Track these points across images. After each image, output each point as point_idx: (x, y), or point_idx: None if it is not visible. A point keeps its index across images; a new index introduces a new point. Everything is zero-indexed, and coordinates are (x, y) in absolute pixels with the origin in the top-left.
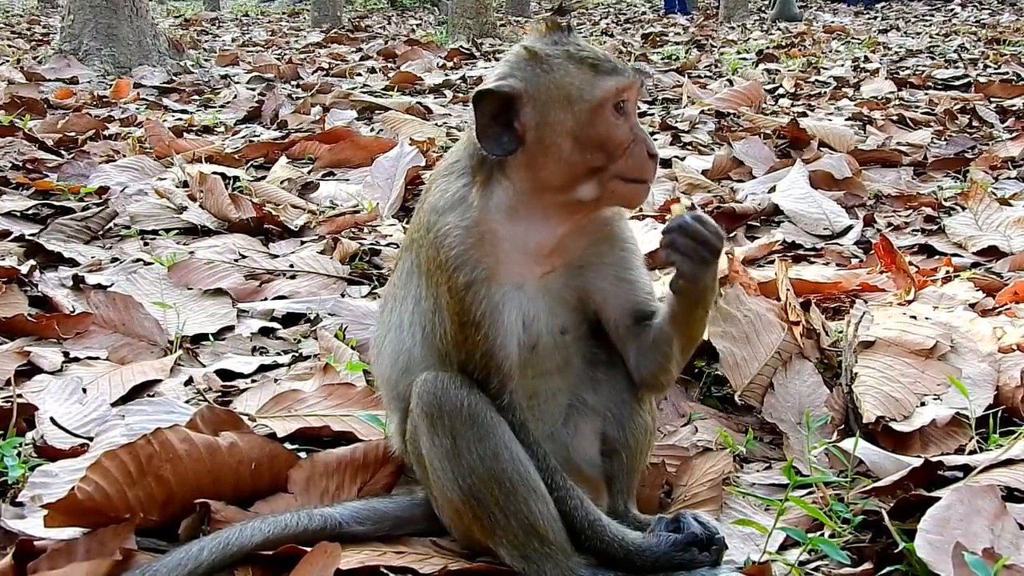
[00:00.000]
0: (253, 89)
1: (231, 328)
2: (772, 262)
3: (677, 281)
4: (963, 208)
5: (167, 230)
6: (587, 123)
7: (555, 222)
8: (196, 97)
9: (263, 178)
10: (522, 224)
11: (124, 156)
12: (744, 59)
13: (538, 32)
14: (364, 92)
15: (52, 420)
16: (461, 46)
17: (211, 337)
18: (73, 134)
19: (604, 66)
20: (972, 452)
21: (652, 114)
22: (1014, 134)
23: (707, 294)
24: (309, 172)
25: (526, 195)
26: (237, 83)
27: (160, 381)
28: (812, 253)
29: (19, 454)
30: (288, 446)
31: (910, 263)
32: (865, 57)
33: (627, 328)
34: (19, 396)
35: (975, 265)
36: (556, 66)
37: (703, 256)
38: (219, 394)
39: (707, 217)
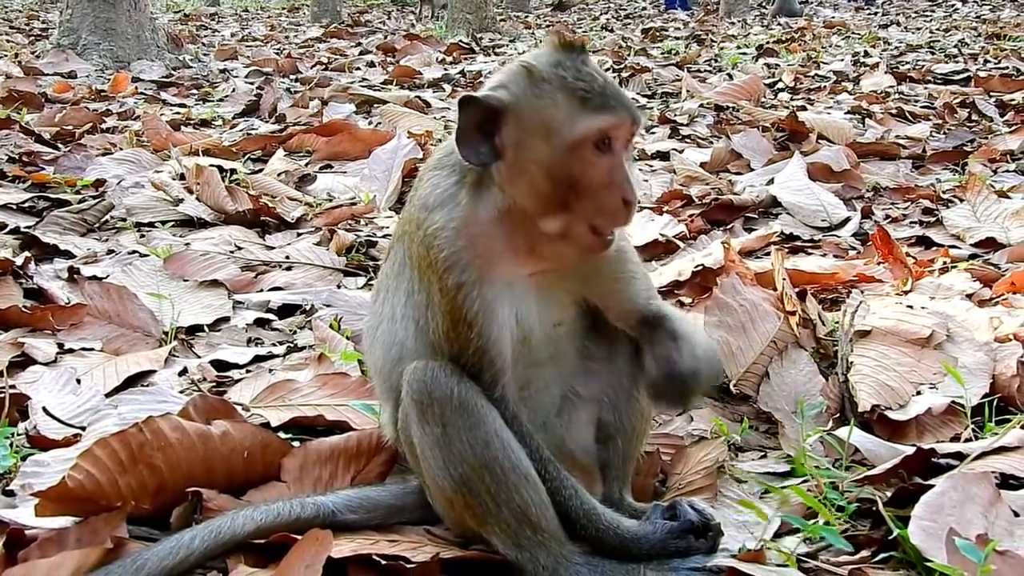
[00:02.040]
0: (251, 83)
1: (226, 319)
2: (770, 254)
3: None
4: (961, 200)
5: (163, 222)
6: (561, 160)
7: (539, 234)
8: (194, 91)
9: (260, 171)
10: (510, 230)
11: (121, 149)
12: (744, 54)
13: (549, 47)
14: (363, 86)
15: (44, 410)
16: (460, 41)
17: (206, 328)
18: (70, 127)
19: (594, 101)
20: (968, 440)
21: (651, 107)
22: (1013, 128)
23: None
24: (306, 165)
25: (510, 205)
26: (235, 77)
27: (154, 372)
28: (810, 245)
29: (11, 444)
30: (282, 435)
31: (908, 254)
32: (865, 52)
33: (631, 327)
34: (12, 387)
35: (973, 256)
36: (546, 92)
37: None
38: (214, 384)
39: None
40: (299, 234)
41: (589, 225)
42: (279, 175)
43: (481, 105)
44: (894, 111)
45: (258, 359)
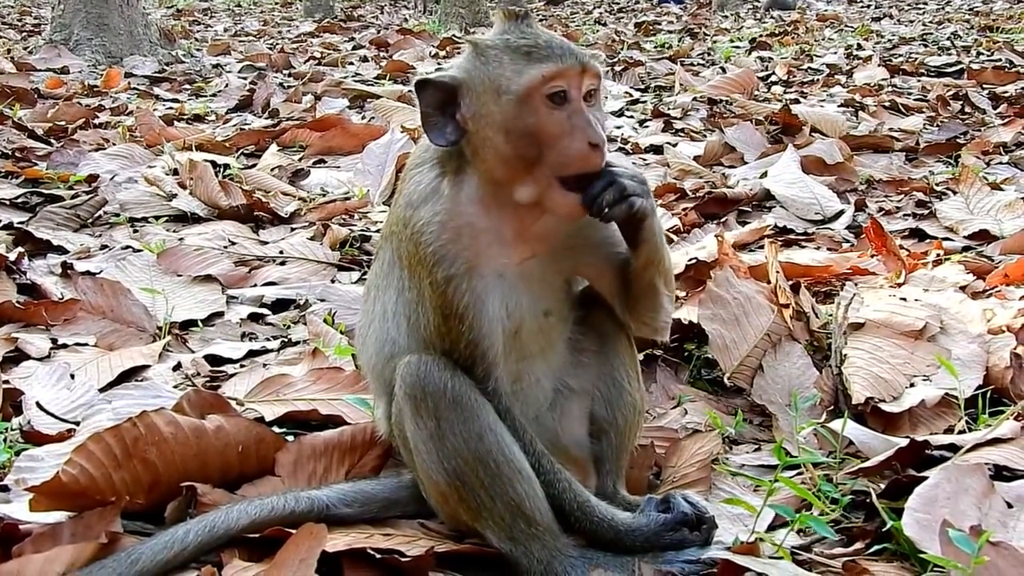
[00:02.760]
0: (244, 78)
1: (220, 314)
2: (763, 247)
3: (638, 232)
4: (954, 193)
5: (156, 217)
6: (514, 114)
7: (524, 214)
8: (187, 86)
9: (253, 166)
10: (495, 214)
11: (114, 144)
12: (737, 47)
13: (497, 22)
14: (356, 81)
15: (38, 405)
16: (453, 35)
17: (200, 323)
18: (63, 123)
19: (538, 52)
20: (961, 432)
21: (645, 101)
22: (1006, 120)
23: (658, 226)
24: (300, 159)
25: (489, 186)
26: (228, 72)
27: (148, 367)
28: (803, 238)
29: (5, 439)
30: (276, 430)
31: (901, 247)
32: (858, 45)
33: (620, 287)
34: (6, 382)
35: (966, 248)
36: (492, 57)
37: (645, 190)
38: (208, 379)
39: (616, 163)
40: (293, 229)
41: (559, 180)
42: (272, 170)
43: (436, 86)
44: (887, 104)
45: (252, 354)
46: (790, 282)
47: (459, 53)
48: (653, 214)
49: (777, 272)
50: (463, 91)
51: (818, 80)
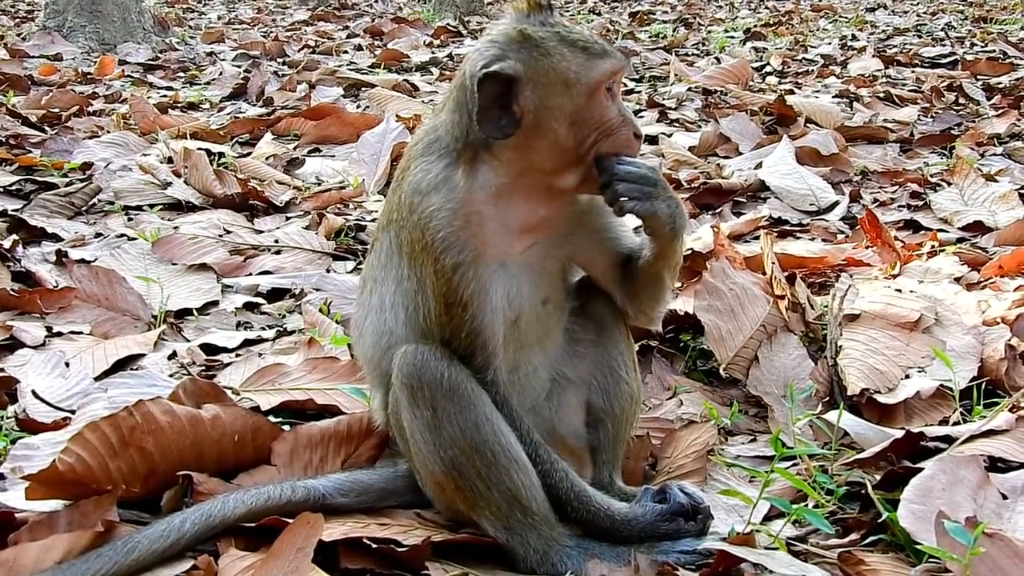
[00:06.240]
0: (239, 66)
1: (215, 303)
2: (758, 238)
3: (661, 230)
4: (949, 184)
5: (151, 206)
6: (584, 107)
7: (537, 203)
8: (181, 74)
9: (248, 154)
10: (505, 204)
11: (108, 132)
12: (732, 37)
13: (520, 12)
14: (351, 69)
15: (34, 393)
16: (448, 24)
17: (195, 312)
18: (57, 110)
19: (595, 48)
20: (956, 424)
21: (639, 91)
22: (1000, 111)
23: (677, 221)
24: (295, 148)
25: (513, 177)
26: (223, 60)
27: (144, 356)
28: (798, 229)
29: (0, 428)
30: (272, 419)
31: (896, 238)
32: (852, 35)
33: (617, 275)
34: (1, 370)
35: (960, 240)
36: (552, 49)
37: (647, 191)
38: (203, 368)
39: (636, 161)
40: (288, 218)
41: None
42: (267, 158)
43: (499, 78)
44: (882, 95)
45: (247, 343)
46: (785, 273)
47: (455, 43)
48: (681, 217)
49: (773, 263)
50: (524, 83)
51: (813, 71)
